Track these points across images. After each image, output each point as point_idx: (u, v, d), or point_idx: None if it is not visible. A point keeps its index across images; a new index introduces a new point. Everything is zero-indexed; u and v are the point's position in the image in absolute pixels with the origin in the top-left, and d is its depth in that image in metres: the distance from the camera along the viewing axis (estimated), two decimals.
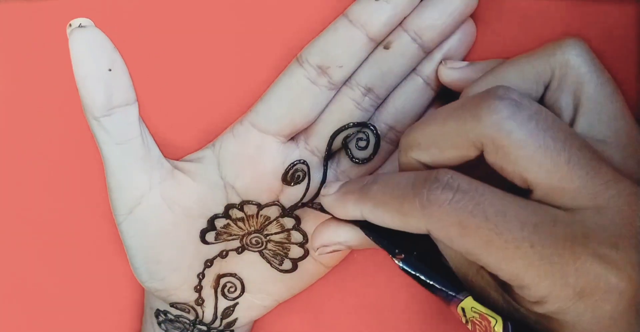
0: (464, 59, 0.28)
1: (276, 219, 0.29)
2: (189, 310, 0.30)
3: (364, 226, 0.24)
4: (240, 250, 0.30)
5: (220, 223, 0.29)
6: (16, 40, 0.29)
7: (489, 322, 0.22)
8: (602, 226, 0.20)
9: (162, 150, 0.29)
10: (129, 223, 0.28)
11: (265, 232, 0.29)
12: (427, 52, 0.27)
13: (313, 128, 0.28)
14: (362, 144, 0.28)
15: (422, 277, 0.23)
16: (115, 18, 0.28)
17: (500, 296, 0.22)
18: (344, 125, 0.27)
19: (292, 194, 0.29)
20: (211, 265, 0.29)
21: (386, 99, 0.28)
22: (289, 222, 0.29)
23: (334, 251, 0.26)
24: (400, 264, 0.23)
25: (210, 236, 0.29)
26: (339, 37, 0.26)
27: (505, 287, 0.22)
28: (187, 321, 0.30)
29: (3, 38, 0.29)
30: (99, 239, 0.31)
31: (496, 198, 0.21)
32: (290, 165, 0.28)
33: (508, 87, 0.21)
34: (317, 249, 0.25)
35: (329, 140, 0.28)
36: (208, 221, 0.29)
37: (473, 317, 0.22)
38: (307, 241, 0.29)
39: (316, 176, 0.28)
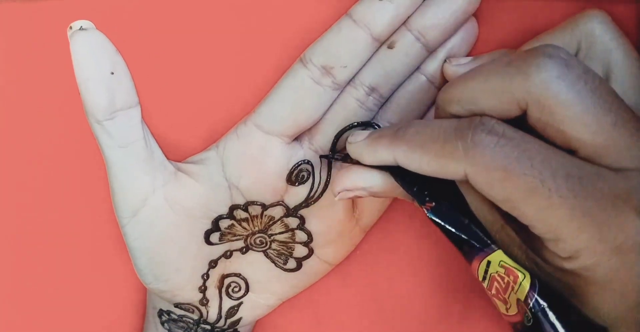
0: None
1: (280, 219, 0.29)
2: (193, 310, 0.30)
3: (394, 172, 0.23)
4: (244, 250, 0.30)
5: (224, 224, 0.29)
6: (16, 40, 0.29)
7: (517, 276, 0.22)
8: None
9: (165, 152, 0.29)
10: (132, 225, 0.28)
11: (270, 232, 0.29)
12: (431, 51, 0.27)
13: (317, 128, 0.28)
14: None
15: (450, 228, 0.23)
16: (116, 19, 0.27)
17: (523, 253, 0.22)
18: (348, 125, 0.27)
19: (297, 194, 0.28)
20: (215, 265, 0.29)
21: (390, 98, 0.28)
22: (293, 222, 0.29)
23: (356, 197, 0.25)
24: (429, 214, 0.23)
25: (214, 237, 0.29)
26: (343, 37, 0.26)
27: (531, 243, 0.22)
28: (191, 321, 0.30)
29: (3, 38, 0.29)
30: (101, 240, 0.31)
31: (542, 148, 0.20)
32: (294, 165, 0.28)
33: (556, 45, 0.21)
34: (338, 193, 0.25)
35: (334, 140, 0.27)
36: (212, 221, 0.29)
37: (497, 272, 0.22)
38: (311, 240, 0.29)
39: (320, 176, 0.28)
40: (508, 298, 0.22)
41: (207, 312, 0.30)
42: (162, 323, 0.30)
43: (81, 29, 0.26)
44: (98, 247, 0.31)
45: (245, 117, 0.28)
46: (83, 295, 0.32)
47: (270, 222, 0.29)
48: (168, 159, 0.29)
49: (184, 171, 0.28)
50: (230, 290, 0.30)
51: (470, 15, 0.27)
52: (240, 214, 0.29)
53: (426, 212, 0.23)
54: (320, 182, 0.28)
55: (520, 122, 0.21)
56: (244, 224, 0.29)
